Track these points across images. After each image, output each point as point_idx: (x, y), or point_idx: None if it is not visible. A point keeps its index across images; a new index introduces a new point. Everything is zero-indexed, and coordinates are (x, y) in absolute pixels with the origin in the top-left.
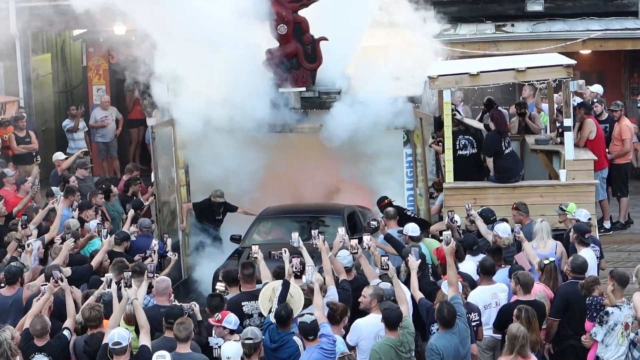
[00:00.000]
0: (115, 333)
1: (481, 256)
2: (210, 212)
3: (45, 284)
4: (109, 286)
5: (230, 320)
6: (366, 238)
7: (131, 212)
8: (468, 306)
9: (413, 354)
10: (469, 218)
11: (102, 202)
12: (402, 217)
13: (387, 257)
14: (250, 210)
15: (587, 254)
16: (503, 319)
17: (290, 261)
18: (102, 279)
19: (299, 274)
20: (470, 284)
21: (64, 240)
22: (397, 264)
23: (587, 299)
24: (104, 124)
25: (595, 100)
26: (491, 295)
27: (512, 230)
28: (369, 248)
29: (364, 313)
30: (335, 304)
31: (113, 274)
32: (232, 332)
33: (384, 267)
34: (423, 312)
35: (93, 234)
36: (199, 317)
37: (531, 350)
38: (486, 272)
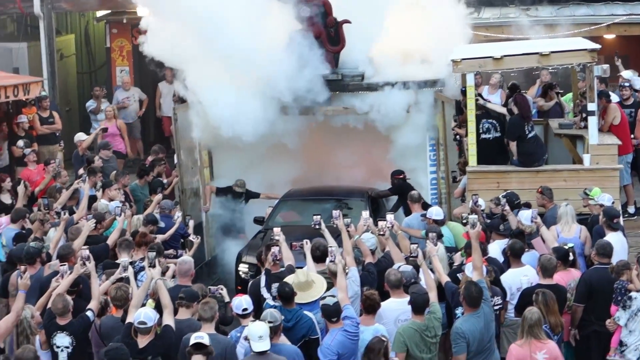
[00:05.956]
0: (142, 313)
1: (504, 240)
2: (233, 200)
3: (64, 264)
4: (125, 270)
5: (239, 304)
6: (390, 217)
7: (159, 196)
8: (491, 290)
9: (438, 339)
10: (493, 202)
11: (128, 183)
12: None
13: (416, 245)
14: (272, 195)
15: (616, 238)
16: (524, 302)
17: (269, 249)
18: (118, 261)
19: (278, 262)
20: (498, 269)
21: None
22: (423, 247)
23: (615, 283)
24: (124, 104)
25: (624, 84)
26: (522, 278)
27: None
28: (392, 227)
29: (388, 296)
30: (372, 294)
31: (123, 253)
32: (244, 315)
33: (414, 255)
34: (449, 295)
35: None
36: (227, 299)
37: (552, 332)
38: (515, 255)
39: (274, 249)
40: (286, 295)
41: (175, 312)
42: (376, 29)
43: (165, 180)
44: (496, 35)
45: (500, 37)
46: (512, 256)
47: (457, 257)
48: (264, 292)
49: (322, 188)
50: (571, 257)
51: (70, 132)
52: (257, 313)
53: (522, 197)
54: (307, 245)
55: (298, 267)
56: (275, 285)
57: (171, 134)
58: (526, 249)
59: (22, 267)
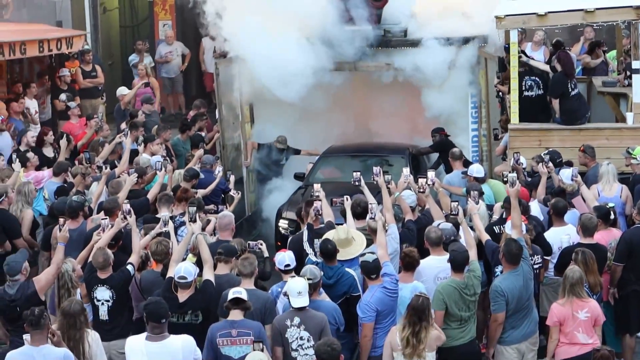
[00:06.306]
0: (182, 267)
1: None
2: (274, 156)
3: (106, 218)
4: (166, 225)
5: (282, 260)
6: (430, 174)
7: (200, 151)
8: (531, 248)
9: (477, 297)
10: (535, 160)
11: (170, 137)
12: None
13: (457, 202)
14: (313, 151)
15: None
16: (563, 261)
17: (309, 205)
18: (158, 216)
19: (320, 216)
20: (540, 227)
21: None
22: (463, 205)
23: None
24: (167, 59)
25: None
26: (563, 237)
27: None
28: (433, 184)
29: (428, 253)
30: (411, 251)
31: (163, 208)
32: (286, 271)
33: (454, 213)
34: (489, 253)
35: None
36: (266, 254)
37: (591, 291)
38: (558, 214)
39: (317, 204)
40: (328, 253)
41: (215, 267)
42: None
43: (204, 134)
44: None
45: None
46: (555, 215)
47: (497, 209)
48: (307, 247)
49: (362, 145)
50: (612, 217)
51: (113, 86)
52: (297, 269)
53: (564, 155)
54: (348, 202)
55: (337, 224)
56: (317, 241)
57: (213, 89)
58: (568, 208)
59: (62, 220)
